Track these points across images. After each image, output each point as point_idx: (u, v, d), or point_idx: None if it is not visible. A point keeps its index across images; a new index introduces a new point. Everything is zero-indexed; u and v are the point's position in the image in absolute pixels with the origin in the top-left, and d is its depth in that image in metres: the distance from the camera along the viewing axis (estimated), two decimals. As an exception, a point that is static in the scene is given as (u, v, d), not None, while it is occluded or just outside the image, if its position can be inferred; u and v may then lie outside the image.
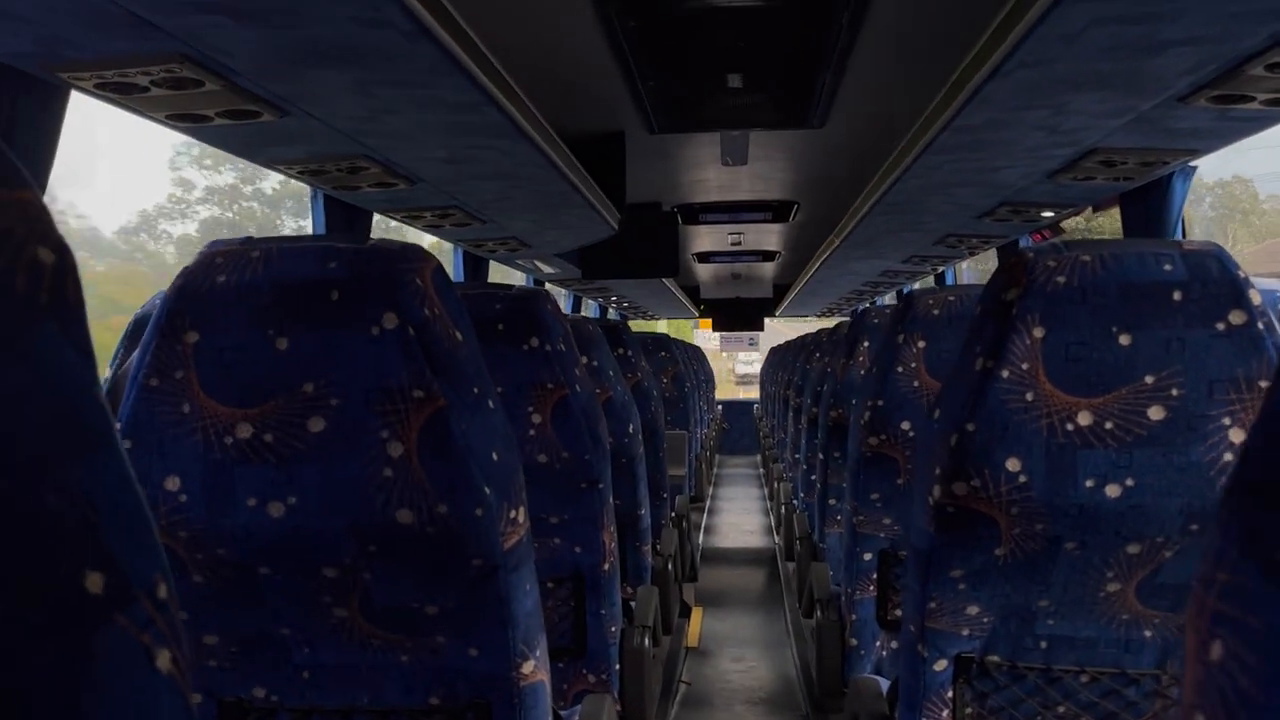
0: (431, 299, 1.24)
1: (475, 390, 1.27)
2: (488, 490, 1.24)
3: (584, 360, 2.87)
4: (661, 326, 13.40)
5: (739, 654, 4.22)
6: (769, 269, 8.30)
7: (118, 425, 1.24)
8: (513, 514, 1.29)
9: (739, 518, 7.77)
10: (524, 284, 3.58)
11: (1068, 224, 3.82)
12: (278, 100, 1.93)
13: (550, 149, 2.53)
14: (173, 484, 1.24)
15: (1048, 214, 3.36)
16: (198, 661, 1.38)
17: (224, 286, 1.24)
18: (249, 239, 1.29)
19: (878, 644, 2.60)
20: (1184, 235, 2.96)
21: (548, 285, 6.35)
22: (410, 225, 3.48)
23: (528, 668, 1.36)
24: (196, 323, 1.23)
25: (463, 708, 1.37)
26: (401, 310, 1.22)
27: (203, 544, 1.26)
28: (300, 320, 1.23)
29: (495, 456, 1.27)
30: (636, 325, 9.98)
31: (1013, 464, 1.37)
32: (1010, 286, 1.37)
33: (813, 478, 3.93)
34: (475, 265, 4.45)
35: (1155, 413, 1.34)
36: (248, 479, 1.24)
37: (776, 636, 4.45)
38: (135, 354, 1.25)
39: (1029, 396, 1.35)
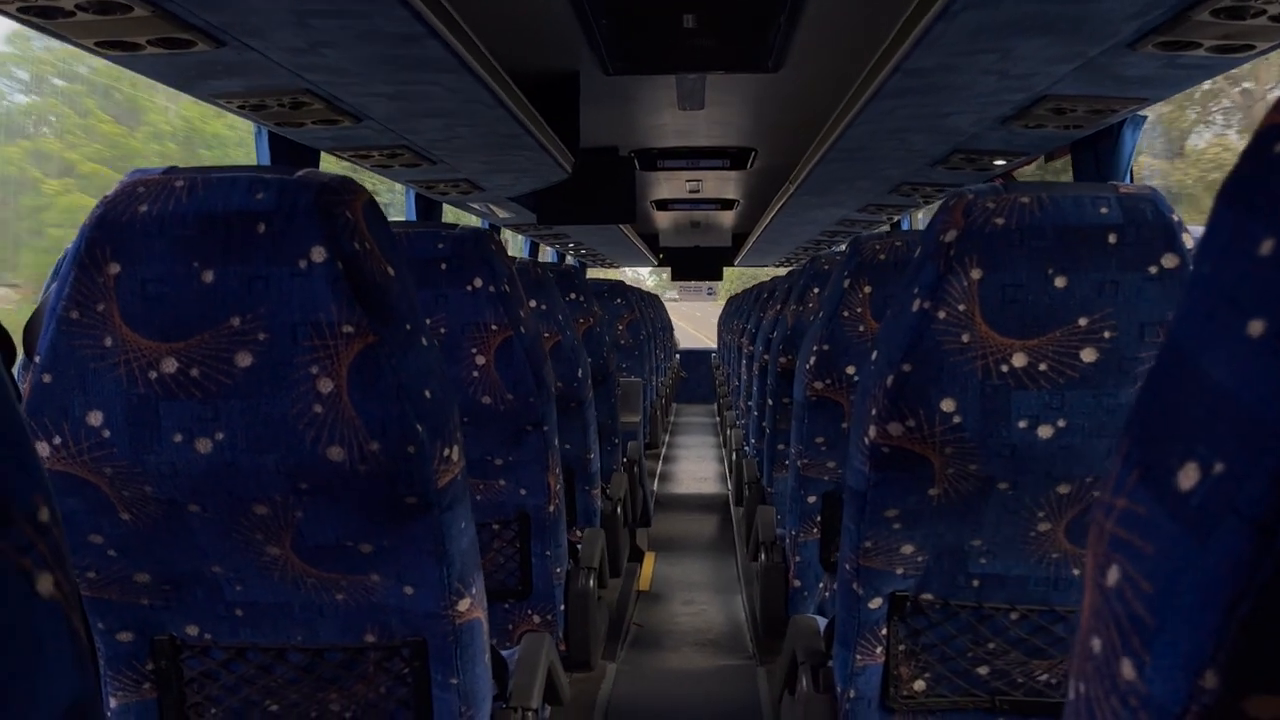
0: (362, 232, 1.21)
1: (408, 326, 1.25)
2: (420, 428, 1.22)
3: (532, 304, 2.85)
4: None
5: (690, 597, 4.28)
6: (728, 218, 8.28)
7: (36, 359, 1.21)
8: (446, 452, 1.28)
9: (694, 465, 7.83)
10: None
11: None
12: (212, 29, 1.87)
13: (498, 86, 2.48)
14: (95, 419, 1.21)
15: (1000, 162, 3.37)
16: (129, 600, 1.37)
17: (146, 217, 1.20)
18: (172, 168, 1.25)
19: (821, 585, 2.64)
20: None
21: (504, 231, 6.28)
22: (359, 165, 3.42)
23: (463, 605, 1.36)
24: (118, 254, 1.20)
25: (398, 645, 1.37)
26: (330, 243, 1.19)
27: (129, 480, 1.24)
28: (226, 252, 1.19)
29: (428, 394, 1.25)
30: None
31: (947, 405, 1.38)
32: (949, 228, 1.37)
33: (763, 424, 3.96)
34: (427, 208, 4.38)
35: (1088, 354, 1.35)
36: (174, 414, 1.21)
37: (727, 581, 4.51)
38: (53, 285, 1.21)
39: (965, 338, 1.36)
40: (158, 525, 1.29)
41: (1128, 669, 0.43)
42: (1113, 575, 0.46)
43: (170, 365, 1.20)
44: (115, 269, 1.20)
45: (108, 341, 1.20)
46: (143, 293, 1.20)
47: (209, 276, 1.19)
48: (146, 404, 1.21)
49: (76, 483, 1.24)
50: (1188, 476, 0.40)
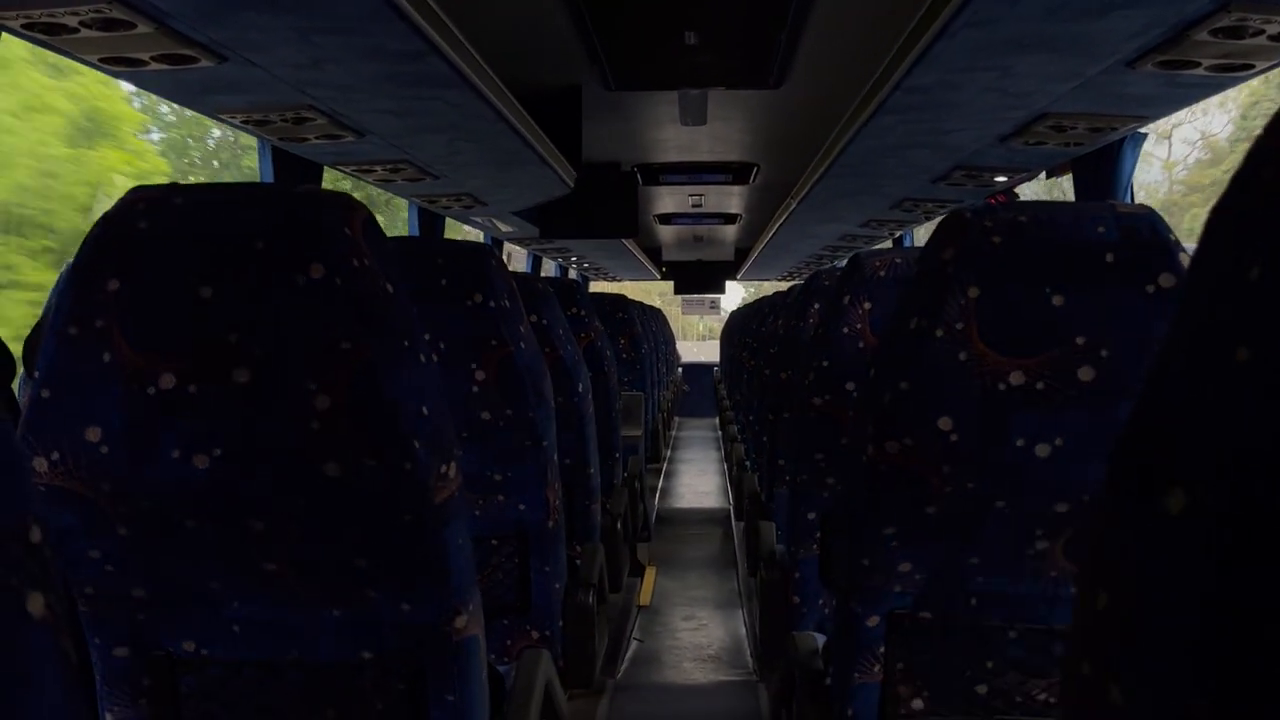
0: (361, 249, 1.22)
1: (405, 343, 1.25)
2: (417, 444, 1.22)
3: (532, 318, 2.85)
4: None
5: (690, 613, 4.26)
6: (730, 232, 8.29)
7: (36, 374, 1.22)
8: (444, 469, 1.28)
9: (695, 479, 7.81)
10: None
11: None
12: (215, 46, 1.88)
13: (500, 103, 2.49)
14: (94, 435, 1.21)
15: (1000, 178, 3.38)
16: (126, 615, 1.36)
17: (146, 233, 1.20)
18: (173, 185, 1.26)
19: (820, 602, 2.63)
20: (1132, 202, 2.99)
21: (506, 244, 6.30)
22: (362, 180, 3.43)
23: (460, 622, 1.36)
24: (118, 270, 1.20)
25: (395, 662, 1.37)
26: (329, 260, 1.19)
27: (126, 496, 1.24)
28: (225, 269, 1.20)
29: (425, 410, 1.25)
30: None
31: (945, 423, 1.38)
32: (947, 246, 1.37)
33: (764, 438, 3.95)
34: (430, 222, 4.39)
35: (1085, 373, 1.35)
36: (171, 430, 1.21)
37: (727, 596, 4.50)
38: (54, 301, 1.22)
39: (962, 356, 1.36)
40: (154, 541, 1.29)
41: (1115, 694, 0.42)
42: (1102, 598, 0.45)
43: (168, 381, 1.20)
44: (115, 285, 1.20)
45: (106, 357, 1.20)
46: (142, 309, 1.20)
47: (208, 293, 1.19)
48: (144, 420, 1.21)
49: (74, 498, 1.24)
50: (1175, 501, 0.40)
